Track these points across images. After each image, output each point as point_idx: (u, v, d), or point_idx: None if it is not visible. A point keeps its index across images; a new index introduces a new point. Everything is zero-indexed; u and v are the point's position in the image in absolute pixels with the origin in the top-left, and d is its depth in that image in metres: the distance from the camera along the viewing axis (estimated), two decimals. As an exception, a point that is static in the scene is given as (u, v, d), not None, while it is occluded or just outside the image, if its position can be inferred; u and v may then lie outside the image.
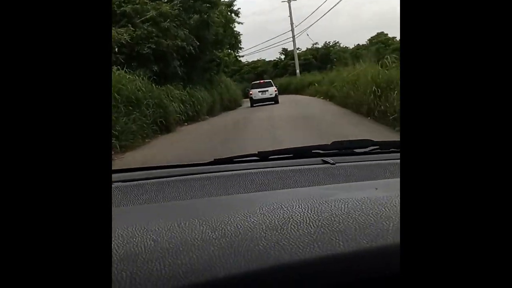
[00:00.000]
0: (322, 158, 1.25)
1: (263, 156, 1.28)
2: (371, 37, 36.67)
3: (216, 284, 0.48)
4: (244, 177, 1.10)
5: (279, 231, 0.57)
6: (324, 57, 36.09)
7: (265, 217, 0.62)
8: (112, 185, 1.00)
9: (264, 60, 45.11)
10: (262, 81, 22.13)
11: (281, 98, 20.92)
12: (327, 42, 39.22)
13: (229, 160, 1.27)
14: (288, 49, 40.70)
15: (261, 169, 1.16)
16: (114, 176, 1.09)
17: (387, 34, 35.83)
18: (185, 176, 1.12)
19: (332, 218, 0.61)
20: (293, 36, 37.50)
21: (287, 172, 1.14)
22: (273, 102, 19.30)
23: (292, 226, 0.58)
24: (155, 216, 0.69)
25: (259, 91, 19.87)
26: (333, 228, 0.58)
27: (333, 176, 1.14)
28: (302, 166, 1.19)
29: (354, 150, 1.35)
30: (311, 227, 0.58)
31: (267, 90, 19.81)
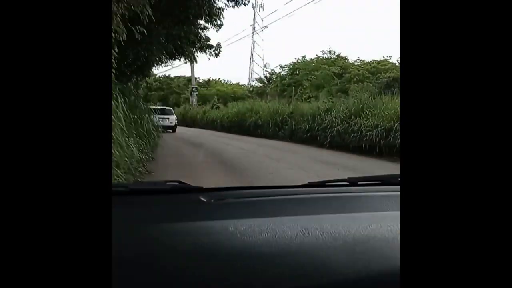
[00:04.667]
0: None
1: (353, 182, 1.37)
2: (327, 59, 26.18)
3: None
4: (336, 200, 1.20)
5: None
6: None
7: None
8: (227, 200, 1.16)
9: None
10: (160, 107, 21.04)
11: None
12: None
13: (322, 184, 1.37)
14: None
15: (352, 194, 1.26)
16: (222, 194, 1.23)
17: (345, 58, 27.15)
18: (287, 196, 1.24)
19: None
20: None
21: (376, 197, 1.23)
22: (170, 131, 18.72)
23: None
24: (287, 227, 0.83)
25: (159, 118, 17.99)
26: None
27: None
28: (391, 193, 1.23)
29: None
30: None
31: (168, 118, 19.51)
